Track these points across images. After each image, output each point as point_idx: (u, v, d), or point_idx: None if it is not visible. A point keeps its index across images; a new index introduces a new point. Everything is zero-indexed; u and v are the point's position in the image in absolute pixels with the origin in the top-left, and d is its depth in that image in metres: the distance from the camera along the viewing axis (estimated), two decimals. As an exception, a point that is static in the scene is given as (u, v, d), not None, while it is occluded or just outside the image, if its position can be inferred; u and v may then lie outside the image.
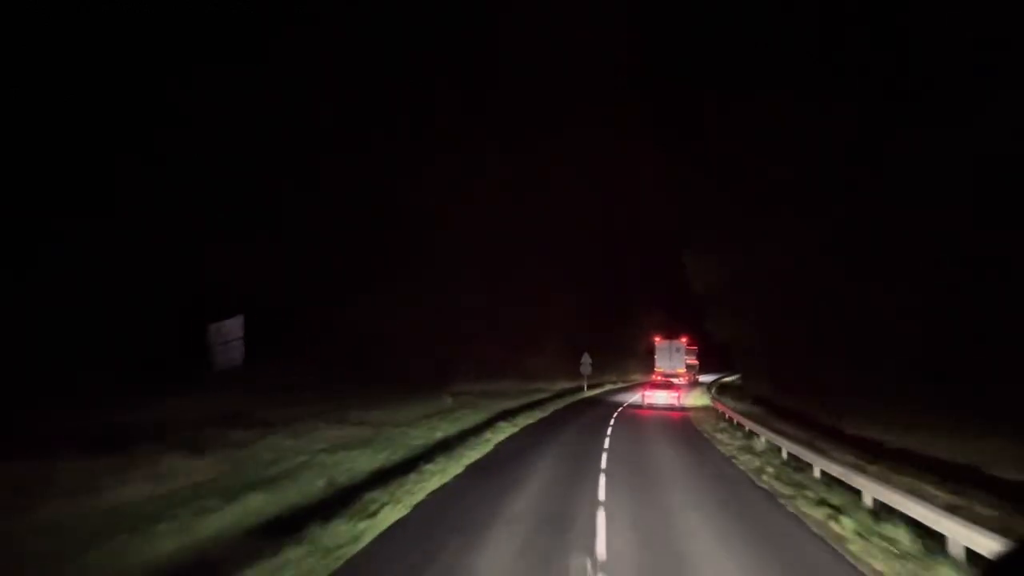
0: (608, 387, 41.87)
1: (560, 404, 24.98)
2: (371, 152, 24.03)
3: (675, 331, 41.96)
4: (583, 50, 33.81)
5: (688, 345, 41.74)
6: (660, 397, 27.41)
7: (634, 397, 30.52)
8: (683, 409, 27.30)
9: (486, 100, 30.24)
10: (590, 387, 36.62)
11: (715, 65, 36.40)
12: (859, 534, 6.53)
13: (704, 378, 52.93)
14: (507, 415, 18.22)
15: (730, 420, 18.84)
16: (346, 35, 22.85)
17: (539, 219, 35.27)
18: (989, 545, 5.16)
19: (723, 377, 58.28)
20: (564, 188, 37.41)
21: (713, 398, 28.16)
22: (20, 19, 14.40)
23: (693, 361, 45.57)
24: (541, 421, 18.06)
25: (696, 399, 33.99)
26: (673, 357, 39.58)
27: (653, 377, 35.62)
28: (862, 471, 8.83)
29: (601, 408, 23.92)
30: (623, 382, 50.12)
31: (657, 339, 40.78)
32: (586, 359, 32.83)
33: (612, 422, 17.81)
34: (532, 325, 40.68)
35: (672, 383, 30.81)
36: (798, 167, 25.34)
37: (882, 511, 7.19)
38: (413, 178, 25.83)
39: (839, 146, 22.98)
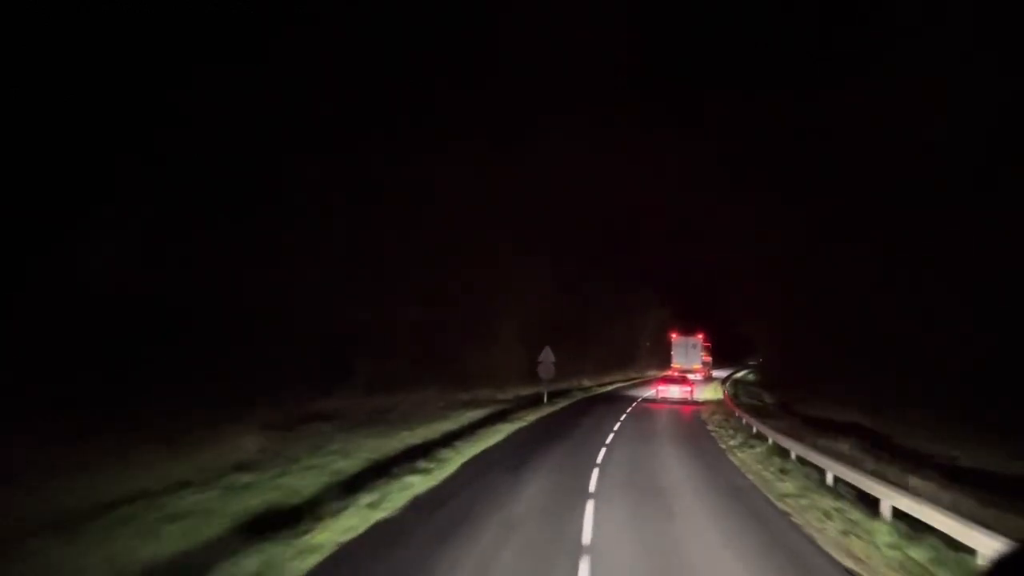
0: (579, 396, 30.73)
1: (485, 442, 14.23)
2: (370, 152, 24.01)
3: (690, 328, 42.21)
4: (583, 50, 33.83)
5: (703, 342, 42.08)
6: (673, 392, 29.17)
7: (622, 419, 20.51)
8: (695, 403, 28.29)
9: (486, 100, 30.25)
10: (553, 397, 26.63)
11: (715, 65, 36.54)
12: None
13: (715, 373, 52.85)
14: (312, 510, 7.66)
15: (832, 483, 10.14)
16: (346, 35, 22.84)
17: (538, 218, 35.12)
18: None
19: (734, 373, 58.50)
20: (563, 187, 37.36)
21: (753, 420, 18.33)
22: (19, 19, 14.42)
23: (707, 358, 45.83)
24: (399, 519, 7.67)
25: (711, 393, 34.19)
26: (689, 353, 40.17)
27: (669, 372, 36.02)
28: None
29: (570, 449, 13.81)
30: (600, 386, 39.14)
31: (674, 335, 41.37)
32: (547, 356, 23.85)
33: (589, 534, 7.14)
34: (482, 313, 29.46)
35: (686, 378, 31.78)
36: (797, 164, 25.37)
37: None
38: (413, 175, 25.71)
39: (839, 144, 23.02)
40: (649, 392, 33.84)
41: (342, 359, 20.30)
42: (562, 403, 26.54)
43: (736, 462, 13.20)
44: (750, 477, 11.47)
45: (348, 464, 11.27)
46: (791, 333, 32.39)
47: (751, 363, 71.63)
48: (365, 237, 23.11)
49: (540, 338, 25.73)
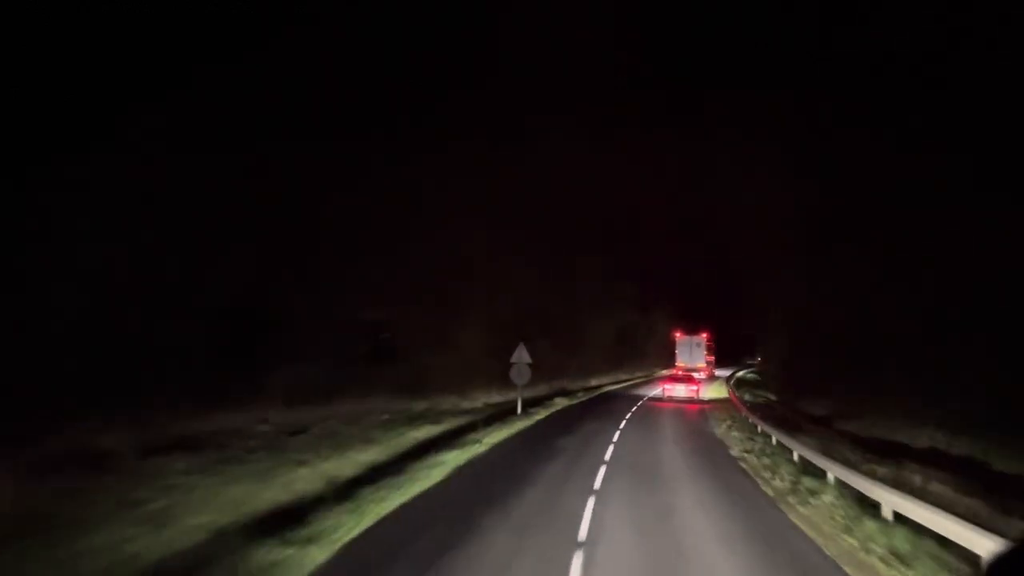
0: (562, 404, 25.44)
1: (408, 491, 9.34)
2: (370, 152, 24.02)
3: (695, 327, 42.16)
4: (583, 50, 33.87)
5: (707, 341, 42.04)
6: (680, 390, 29.12)
7: (615, 440, 15.52)
8: (701, 402, 28.20)
9: (486, 100, 30.27)
10: (530, 405, 22.30)
11: (715, 65, 36.59)
12: None
13: (717, 372, 52.58)
14: None
15: None
16: (346, 35, 22.85)
17: (538, 217, 35.04)
18: None
19: (736, 372, 58.41)
20: (564, 187, 37.35)
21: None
22: (18, 18, 14.42)
23: (710, 357, 45.85)
24: None
25: (716, 392, 33.94)
26: (694, 352, 40.19)
27: (674, 371, 36.01)
28: None
29: (536, 511, 8.53)
30: (588, 391, 34.64)
31: (678, 334, 41.44)
32: (521, 356, 19.62)
33: None
34: (447, 309, 25.49)
35: (692, 377, 31.80)
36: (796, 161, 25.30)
37: None
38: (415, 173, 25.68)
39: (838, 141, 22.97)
40: (649, 393, 32.82)
41: (254, 360, 15.78)
42: (540, 414, 21.34)
43: (808, 530, 8.11)
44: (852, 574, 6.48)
45: (143, 547, 6.53)
46: (793, 333, 32.36)
47: (749, 362, 71.94)
48: (311, 225, 20.17)
49: (517, 338, 21.10)
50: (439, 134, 26.67)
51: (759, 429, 17.39)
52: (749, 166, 36.91)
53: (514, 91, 31.64)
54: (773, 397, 33.06)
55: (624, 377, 49.27)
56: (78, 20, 15.37)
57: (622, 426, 18.33)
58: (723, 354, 61.57)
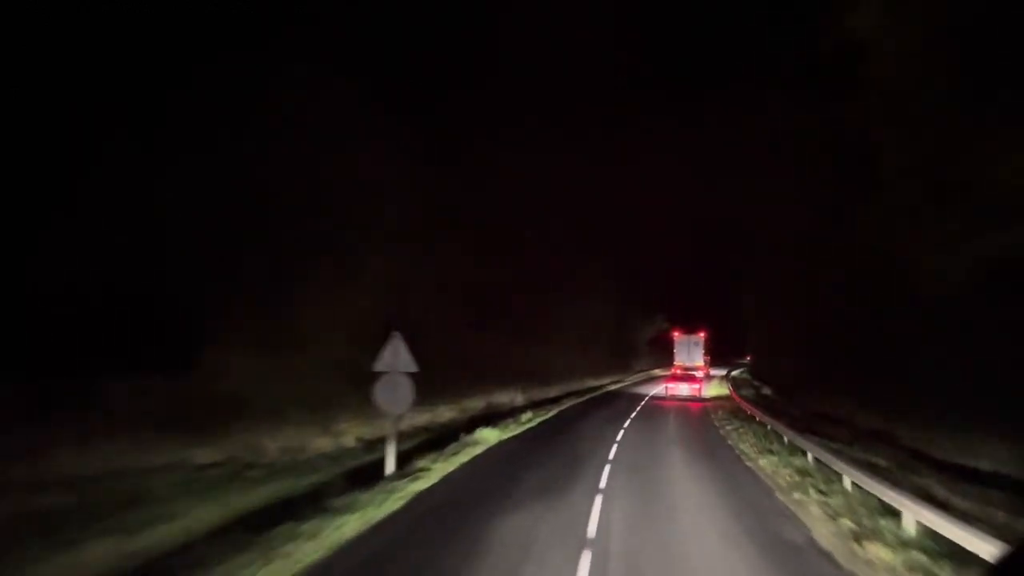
0: (485, 442, 13.98)
1: None
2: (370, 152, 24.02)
3: (693, 326, 42.12)
4: (583, 50, 33.89)
5: (704, 341, 42.00)
6: (683, 389, 29.51)
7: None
8: (703, 400, 28.43)
9: (486, 100, 30.26)
10: (419, 451, 12.38)
11: (715, 65, 36.70)
12: None
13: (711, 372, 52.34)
14: None
15: None
16: (346, 35, 22.86)
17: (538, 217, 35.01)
18: None
19: (731, 371, 58.42)
20: (564, 187, 37.35)
21: None
22: (17, 17, 14.42)
23: (707, 356, 45.83)
24: None
25: (715, 389, 33.93)
26: (692, 351, 40.21)
27: (673, 370, 36.23)
28: None
29: None
30: (539, 407, 22.32)
31: (676, 333, 41.62)
32: (397, 358, 10.40)
33: None
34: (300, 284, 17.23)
35: (694, 376, 32.21)
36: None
37: None
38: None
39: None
40: (636, 408, 24.79)
41: None
42: (431, 475, 10.61)
43: None
44: None
45: None
46: (792, 332, 32.34)
47: (740, 362, 72.05)
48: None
49: (398, 328, 10.98)
50: (439, 134, 26.71)
51: (846, 480, 9.75)
52: (747, 164, 36.97)
53: (514, 91, 31.65)
54: (794, 411, 31.46)
55: (594, 384, 40.12)
56: (78, 20, 15.37)
57: (592, 535, 7.60)
58: (714, 354, 61.54)
